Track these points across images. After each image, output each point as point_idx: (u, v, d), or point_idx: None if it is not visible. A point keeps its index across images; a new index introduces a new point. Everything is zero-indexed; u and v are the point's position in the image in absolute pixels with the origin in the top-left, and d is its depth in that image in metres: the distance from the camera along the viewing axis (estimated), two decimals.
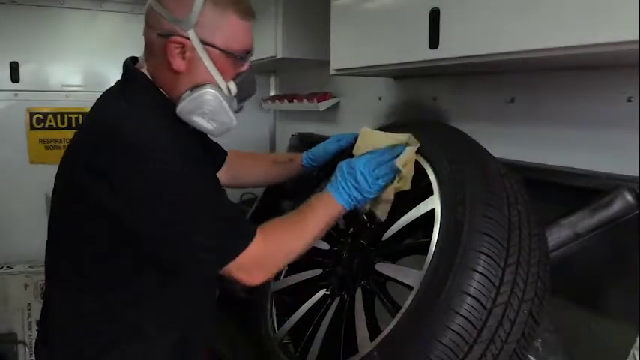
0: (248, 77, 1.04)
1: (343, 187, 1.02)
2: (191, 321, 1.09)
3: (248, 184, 1.52)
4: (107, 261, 0.95)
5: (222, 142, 1.35)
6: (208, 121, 1.00)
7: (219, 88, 0.98)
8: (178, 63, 0.96)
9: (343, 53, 1.53)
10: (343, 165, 1.05)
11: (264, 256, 0.94)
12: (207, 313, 1.17)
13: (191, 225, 0.89)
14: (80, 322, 0.99)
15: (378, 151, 1.07)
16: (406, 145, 1.06)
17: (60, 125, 2.57)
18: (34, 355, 1.10)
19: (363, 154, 1.06)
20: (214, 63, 0.97)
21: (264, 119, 2.95)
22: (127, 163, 0.87)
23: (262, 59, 2.27)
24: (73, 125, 2.59)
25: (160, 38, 0.96)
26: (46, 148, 2.55)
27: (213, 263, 0.92)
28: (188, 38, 0.94)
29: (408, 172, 1.03)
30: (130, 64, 1.04)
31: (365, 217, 1.17)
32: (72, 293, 1.00)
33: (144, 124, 0.92)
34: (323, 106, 2.21)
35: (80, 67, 2.59)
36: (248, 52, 1.02)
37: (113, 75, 2.32)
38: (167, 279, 1.00)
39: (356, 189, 1.02)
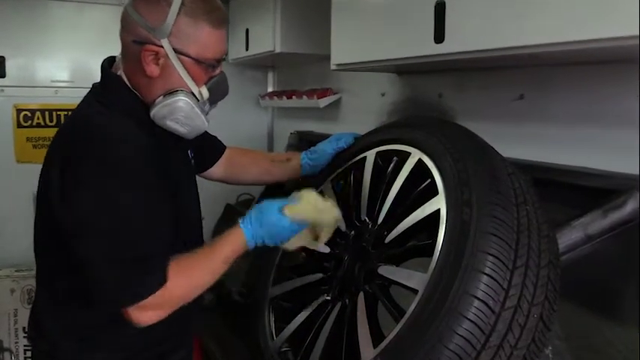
0: (219, 81, 1.09)
1: (254, 227, 1.04)
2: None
3: (245, 181, 1.53)
4: (65, 253, 1.00)
5: None
6: (182, 125, 1.05)
7: (191, 94, 1.03)
8: (152, 69, 1.00)
9: (344, 48, 1.53)
10: (259, 207, 1.06)
11: (173, 296, 0.97)
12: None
13: (109, 250, 0.93)
14: (58, 313, 1.08)
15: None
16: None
17: (48, 123, 2.51)
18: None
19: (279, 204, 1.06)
20: (187, 70, 1.02)
21: (262, 117, 2.92)
22: (81, 170, 0.93)
23: (260, 54, 2.27)
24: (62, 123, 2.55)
25: (135, 44, 1.00)
26: (34, 146, 2.48)
27: (117, 301, 0.95)
28: (162, 47, 0.99)
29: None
30: (106, 66, 1.09)
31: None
32: (49, 285, 1.09)
33: (112, 131, 0.98)
34: (323, 102, 2.21)
35: (69, 62, 2.54)
36: (220, 60, 1.06)
37: None
38: None
39: (266, 233, 1.04)
